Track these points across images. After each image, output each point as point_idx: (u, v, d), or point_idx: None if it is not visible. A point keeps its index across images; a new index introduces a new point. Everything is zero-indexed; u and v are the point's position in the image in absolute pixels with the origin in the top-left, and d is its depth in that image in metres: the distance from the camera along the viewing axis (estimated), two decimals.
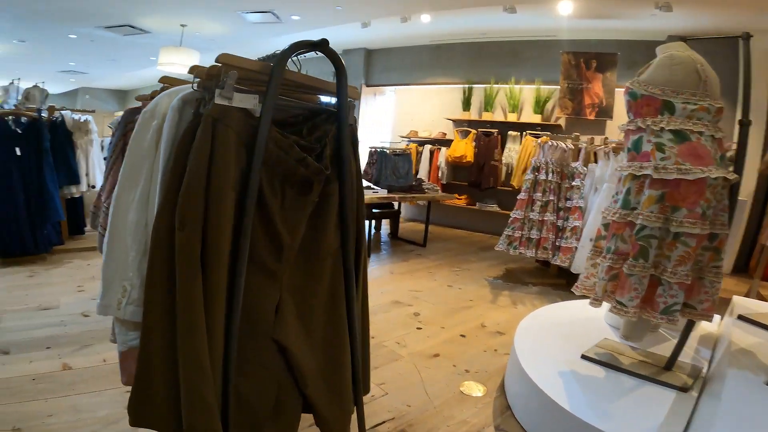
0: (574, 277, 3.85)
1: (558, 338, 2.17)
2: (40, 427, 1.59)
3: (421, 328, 2.79)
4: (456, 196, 5.98)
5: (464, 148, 5.91)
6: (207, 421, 0.90)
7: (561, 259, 3.63)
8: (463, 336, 2.70)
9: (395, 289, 3.54)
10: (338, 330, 1.17)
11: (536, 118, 5.66)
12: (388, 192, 4.68)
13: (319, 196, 1.10)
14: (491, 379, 2.19)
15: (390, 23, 5.50)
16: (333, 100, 1.16)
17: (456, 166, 6.21)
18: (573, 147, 3.83)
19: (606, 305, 1.71)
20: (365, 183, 5.34)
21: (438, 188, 5.42)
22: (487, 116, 5.99)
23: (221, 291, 0.92)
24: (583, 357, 1.92)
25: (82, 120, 4.08)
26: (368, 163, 5.20)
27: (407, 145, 6.38)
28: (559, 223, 3.73)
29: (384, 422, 1.79)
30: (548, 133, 5.33)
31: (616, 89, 5.16)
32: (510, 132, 5.77)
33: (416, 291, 3.53)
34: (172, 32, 5.99)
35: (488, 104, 5.97)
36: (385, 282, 3.74)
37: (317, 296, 1.14)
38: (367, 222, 4.53)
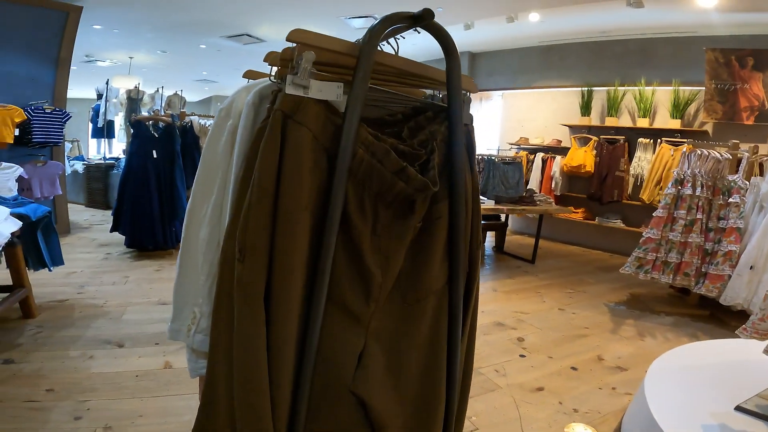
0: (721, 308, 3.26)
1: (704, 383, 1.78)
2: (129, 427, 1.65)
3: (524, 356, 2.49)
4: (572, 209, 5.40)
5: (583, 157, 5.32)
6: None
7: (707, 287, 3.02)
8: (574, 369, 2.38)
9: (498, 310, 3.23)
10: (434, 384, 0.92)
11: (674, 124, 4.89)
12: (496, 203, 4.36)
13: (423, 220, 0.84)
14: (605, 423, 1.87)
15: (495, 24, 5.16)
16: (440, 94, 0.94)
17: (573, 176, 5.62)
18: (730, 157, 3.15)
19: None
20: None
21: (551, 200, 4.93)
22: (611, 122, 5.34)
23: (289, 338, 0.73)
24: (739, 409, 1.55)
25: (207, 125, 4.44)
26: None
27: (517, 152, 5.93)
28: (708, 246, 3.11)
29: None
30: (690, 140, 4.55)
31: None
32: (640, 139, 5.07)
33: (522, 313, 3.19)
34: (284, 41, 6.33)
35: (612, 108, 5.33)
36: (487, 301, 3.45)
37: (412, 344, 0.89)
38: None
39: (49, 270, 2.62)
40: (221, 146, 0.83)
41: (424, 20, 0.74)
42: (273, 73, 0.77)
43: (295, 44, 0.69)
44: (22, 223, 2.31)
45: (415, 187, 0.77)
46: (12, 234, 2.19)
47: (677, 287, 3.62)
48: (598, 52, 5.57)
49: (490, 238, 5.55)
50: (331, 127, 0.73)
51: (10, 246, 2.30)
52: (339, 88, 0.72)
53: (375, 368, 0.82)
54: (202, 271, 0.87)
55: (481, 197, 4.53)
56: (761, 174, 3.20)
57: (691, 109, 4.87)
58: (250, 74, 1.18)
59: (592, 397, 2.07)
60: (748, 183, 3.05)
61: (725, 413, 1.53)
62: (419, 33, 0.84)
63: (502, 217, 5.13)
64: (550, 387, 2.15)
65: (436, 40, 0.80)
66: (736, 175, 3.10)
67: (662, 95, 5.03)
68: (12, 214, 2.30)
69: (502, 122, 6.70)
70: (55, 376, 1.94)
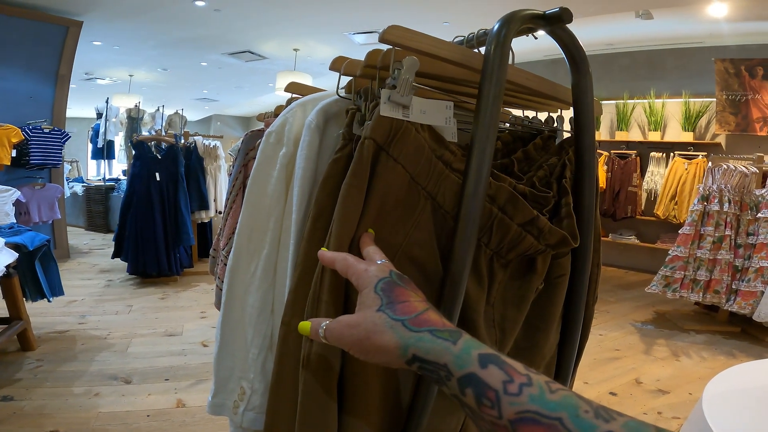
0: (752, 324, 3.11)
1: None
2: None
3: None
4: None
5: None
6: None
7: (739, 304, 2.91)
8: (613, 394, 2.26)
9: None
10: None
11: (686, 137, 4.80)
12: None
13: (545, 279, 0.63)
14: None
15: None
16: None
17: None
18: (757, 171, 3.05)
19: None
20: None
21: None
22: (621, 136, 5.26)
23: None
24: None
25: (211, 146, 4.31)
26: None
27: None
28: (738, 262, 3.00)
29: None
30: (703, 153, 4.47)
31: None
32: (653, 153, 4.98)
33: None
34: (286, 57, 6.27)
35: (622, 122, 5.25)
36: None
37: None
38: None
39: (49, 301, 2.48)
40: (272, 186, 0.63)
41: (562, 22, 0.56)
42: (339, 88, 0.59)
43: (388, 46, 0.49)
44: (17, 254, 2.17)
45: (548, 243, 0.58)
46: (7, 266, 2.05)
47: (703, 304, 3.49)
48: (606, 64, 5.51)
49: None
50: (437, 164, 0.53)
51: (6, 277, 2.16)
52: (449, 109, 0.54)
53: None
54: (253, 344, 0.68)
55: None
56: None
57: (703, 121, 4.80)
58: (294, 87, 0.93)
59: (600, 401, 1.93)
60: None
61: None
62: (536, 39, 0.68)
63: None
64: None
65: (563, 50, 0.64)
66: (764, 189, 3.00)
67: (673, 107, 4.96)
68: (7, 243, 2.17)
69: None
70: (60, 416, 1.82)
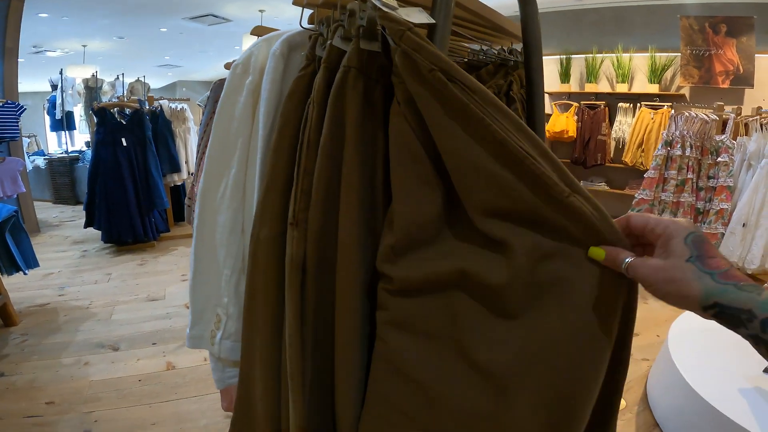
0: None
1: (729, 344, 1.75)
2: None
3: None
4: None
5: (565, 123, 5.34)
6: None
7: None
8: None
9: None
10: None
11: (652, 88, 4.96)
12: None
13: None
14: (630, 391, 1.86)
15: None
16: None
17: (556, 142, 5.65)
18: (717, 118, 3.16)
19: None
20: None
21: None
22: (591, 88, 5.37)
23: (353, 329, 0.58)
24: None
25: (178, 108, 4.19)
26: None
27: None
28: (700, 204, 3.15)
29: None
30: (668, 103, 4.65)
31: (757, 55, 4.41)
32: (620, 104, 5.14)
33: None
34: (252, 19, 5.99)
35: (591, 75, 5.36)
36: None
37: None
38: None
39: (24, 273, 2.43)
40: (239, 110, 0.67)
41: None
42: (303, 21, 0.64)
43: None
44: None
45: None
46: None
47: None
48: (575, 20, 5.54)
49: None
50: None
51: None
52: (422, 12, 0.56)
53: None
54: (225, 265, 0.71)
55: None
56: (746, 134, 3.24)
57: (668, 74, 4.95)
58: (259, 30, 1.00)
59: None
60: (735, 142, 3.08)
61: (756, 376, 1.53)
62: None
63: None
64: None
65: None
66: (723, 135, 3.13)
67: (639, 61, 5.08)
68: None
69: None
70: (52, 387, 1.83)
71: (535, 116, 0.73)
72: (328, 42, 0.56)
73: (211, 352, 0.77)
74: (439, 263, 0.51)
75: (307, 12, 0.63)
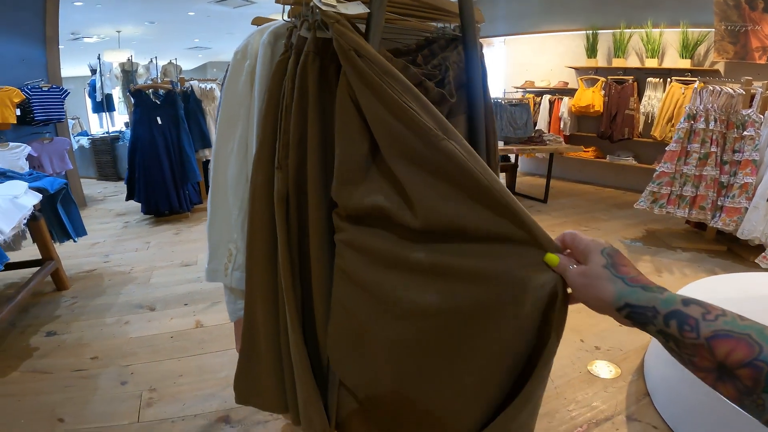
0: (738, 243, 3.26)
1: None
2: (171, 387, 1.73)
3: None
4: (582, 148, 5.37)
5: (591, 97, 5.25)
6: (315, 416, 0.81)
7: (724, 221, 3.01)
8: None
9: None
10: None
11: (684, 63, 4.80)
12: (505, 144, 4.33)
13: None
14: (627, 360, 1.89)
15: None
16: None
17: (582, 116, 5.57)
18: (743, 92, 3.06)
19: None
20: None
21: (561, 139, 4.88)
22: (618, 63, 5.25)
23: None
24: None
25: (208, 88, 4.37)
26: None
27: (523, 95, 5.83)
28: (724, 178, 3.08)
29: None
30: (702, 78, 4.47)
31: None
32: (650, 79, 4.99)
33: None
34: (275, 2, 6.09)
35: (619, 50, 5.23)
36: None
37: None
38: None
39: (74, 241, 2.68)
40: (241, 85, 0.86)
41: None
42: (285, 14, 0.81)
43: None
44: (41, 195, 2.35)
45: (432, 98, 0.79)
46: (34, 207, 2.23)
47: (693, 223, 3.62)
48: None
49: (500, 179, 5.52)
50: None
51: (33, 220, 2.34)
52: (360, 5, 0.71)
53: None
54: (234, 206, 0.90)
55: None
56: None
57: (701, 49, 4.78)
58: (259, 20, 1.18)
59: (613, 335, 2.08)
60: (762, 117, 2.98)
61: None
62: None
63: (512, 158, 5.13)
64: (571, 325, 2.15)
65: None
66: (750, 110, 3.03)
67: (670, 36, 4.92)
68: (30, 188, 2.34)
69: (506, 67, 6.55)
70: (96, 344, 2.02)
71: (472, 80, 0.87)
72: (296, 32, 0.72)
73: (225, 284, 0.94)
74: (364, 198, 0.65)
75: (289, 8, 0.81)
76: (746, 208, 2.91)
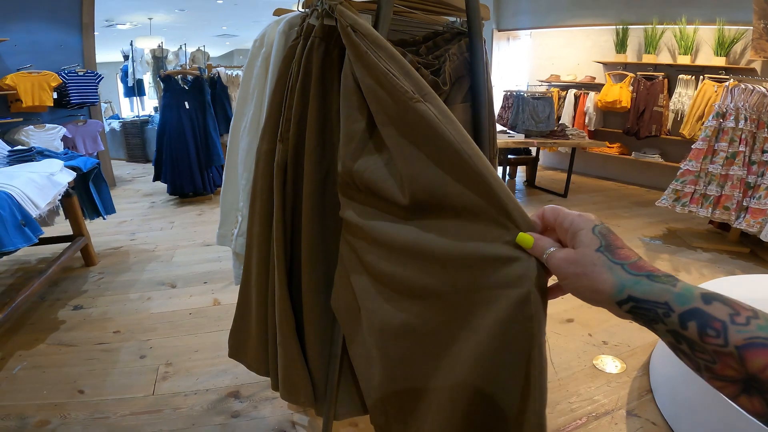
0: (762, 246, 3.18)
1: None
2: (186, 362, 1.81)
3: None
4: (607, 144, 5.27)
5: (619, 93, 5.14)
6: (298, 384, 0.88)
7: (748, 222, 2.93)
8: None
9: None
10: None
11: (718, 61, 4.65)
12: (526, 137, 4.29)
13: None
14: (634, 356, 1.89)
15: None
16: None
17: (608, 112, 5.46)
18: None
19: None
20: (499, 127, 4.97)
21: (585, 134, 4.80)
22: (648, 59, 5.11)
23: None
24: None
25: (234, 75, 4.48)
26: (503, 107, 4.82)
27: (548, 89, 5.75)
28: (750, 179, 3.00)
29: None
30: (737, 76, 4.33)
31: None
32: (681, 76, 4.85)
33: None
34: None
35: (650, 46, 5.09)
36: None
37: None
38: (501, 168, 4.27)
39: (104, 218, 2.81)
40: (257, 70, 0.93)
41: None
42: (300, 5, 0.87)
43: None
44: (75, 173, 2.47)
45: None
46: (68, 184, 2.36)
47: (717, 223, 3.54)
48: None
49: (520, 172, 5.52)
50: None
51: (67, 196, 2.46)
52: (368, 18, 0.79)
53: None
54: (242, 177, 0.97)
55: (510, 131, 4.45)
56: None
57: (737, 47, 4.61)
58: (279, 12, 1.26)
59: (621, 330, 2.08)
60: None
61: None
62: None
63: (533, 151, 5.08)
64: (580, 319, 2.18)
65: None
66: None
67: (705, 33, 4.77)
68: (65, 166, 2.46)
69: (531, 61, 6.47)
70: (119, 319, 2.11)
71: (476, 72, 0.91)
72: (307, 21, 0.78)
73: (232, 249, 1.02)
74: (362, 173, 0.68)
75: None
76: None
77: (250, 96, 0.95)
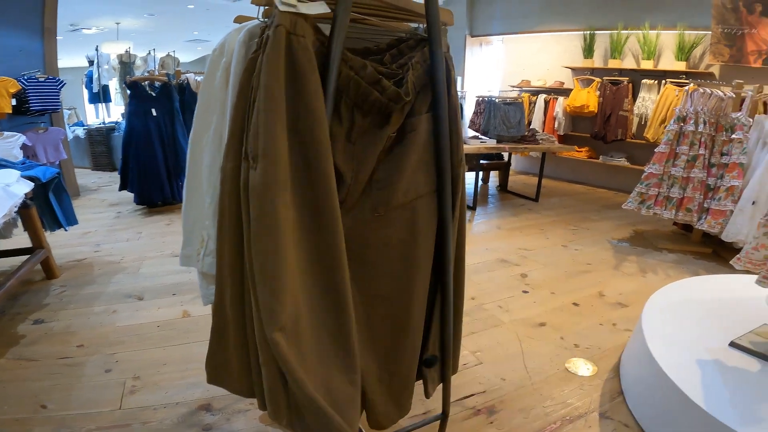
0: (724, 246, 3.30)
1: (700, 319, 1.78)
2: (155, 375, 1.75)
3: (527, 292, 2.56)
4: (576, 148, 5.42)
5: (586, 98, 5.29)
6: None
7: (709, 223, 3.04)
8: (576, 305, 2.42)
9: (502, 247, 3.31)
10: (408, 303, 0.95)
11: (679, 66, 4.85)
12: (498, 142, 4.36)
13: (397, 132, 0.89)
14: (604, 359, 1.92)
15: None
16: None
17: (576, 116, 5.62)
18: (734, 95, 3.10)
19: None
20: (472, 133, 5.03)
21: (554, 139, 4.92)
22: (614, 64, 5.31)
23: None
24: (733, 345, 1.56)
25: None
26: (475, 113, 4.89)
27: (519, 94, 5.87)
28: (711, 181, 3.12)
29: (473, 395, 1.66)
30: (697, 80, 4.55)
31: None
32: (644, 80, 5.05)
33: (525, 249, 3.26)
34: None
35: (616, 51, 5.28)
36: (491, 238, 3.52)
37: (382, 256, 0.92)
38: (473, 173, 4.32)
39: (65, 230, 2.70)
40: (217, 81, 0.90)
41: None
42: (260, 14, 0.85)
43: None
44: (33, 184, 2.37)
45: (389, 96, 0.84)
46: (25, 195, 2.25)
47: (681, 225, 3.66)
48: None
49: (493, 177, 5.61)
50: (317, 44, 0.80)
51: (24, 208, 2.36)
52: (322, 4, 0.75)
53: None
54: (207, 194, 0.94)
55: (482, 137, 4.51)
56: (765, 112, 3.16)
57: (697, 52, 4.82)
58: (240, 19, 1.24)
59: (592, 333, 2.11)
60: (751, 120, 3.01)
61: (720, 349, 1.54)
62: None
63: (505, 156, 5.17)
64: (552, 322, 2.21)
65: None
66: (740, 113, 3.06)
67: (667, 39, 4.97)
68: (22, 176, 2.36)
69: (504, 66, 6.61)
70: (83, 332, 2.03)
71: (436, 80, 0.90)
72: (266, 32, 0.77)
73: (198, 269, 0.98)
74: None
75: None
76: (732, 211, 2.95)
77: (212, 109, 0.91)
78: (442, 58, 0.88)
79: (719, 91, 3.12)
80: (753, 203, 2.85)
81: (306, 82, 0.74)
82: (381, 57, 0.88)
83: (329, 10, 0.73)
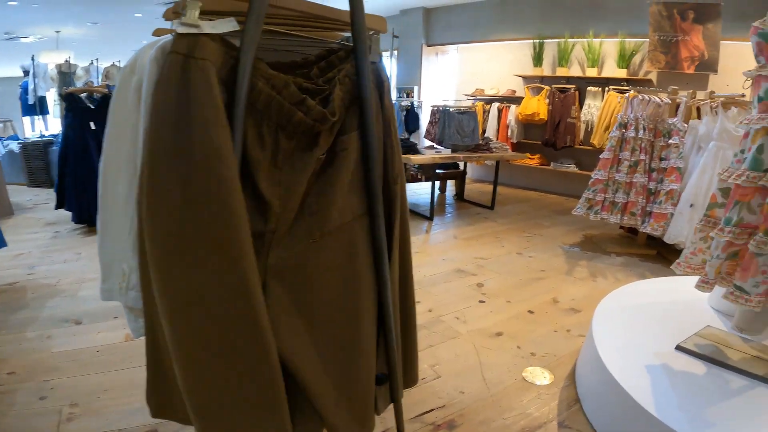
0: (667, 248, 3.47)
1: (647, 323, 1.83)
2: (95, 402, 1.63)
3: (484, 302, 2.57)
4: (528, 155, 5.58)
5: (536, 106, 5.46)
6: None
7: (652, 226, 3.19)
8: (531, 312, 2.45)
9: (459, 257, 3.33)
10: (356, 326, 0.90)
11: (621, 73, 5.12)
12: (453, 151, 4.43)
13: (327, 152, 0.83)
14: (560, 366, 1.93)
15: None
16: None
17: (528, 124, 5.80)
18: (670, 101, 3.28)
19: (718, 289, 1.39)
20: (427, 143, 5.07)
21: (507, 147, 5.05)
22: (562, 72, 5.52)
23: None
24: (679, 348, 1.60)
25: None
26: (430, 122, 4.95)
27: (473, 103, 6.00)
28: (651, 185, 3.27)
29: (432, 410, 1.63)
30: (636, 88, 4.78)
31: (722, 42, 4.55)
32: (590, 87, 5.28)
33: (481, 258, 3.29)
34: None
35: (563, 59, 5.50)
36: (448, 248, 3.53)
37: (323, 282, 0.86)
38: (430, 183, 4.35)
39: None
40: (129, 102, 0.83)
41: None
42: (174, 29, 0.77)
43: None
44: None
45: (314, 117, 0.78)
46: None
47: (627, 228, 3.82)
48: (550, 4, 5.64)
49: (450, 186, 5.67)
50: (230, 62, 0.72)
51: None
52: (231, 21, 0.69)
53: (278, 310, 0.81)
54: (124, 227, 0.86)
55: (437, 146, 4.54)
56: (699, 117, 3.36)
57: (637, 59, 5.09)
58: (159, 32, 1.13)
59: (548, 340, 2.13)
60: (686, 125, 3.19)
61: (667, 353, 1.58)
62: None
63: (461, 165, 5.24)
64: (509, 331, 2.21)
65: None
66: (675, 118, 3.24)
67: (609, 46, 5.22)
68: None
69: (459, 75, 6.74)
70: (14, 360, 1.89)
71: (363, 96, 0.85)
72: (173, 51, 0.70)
73: (122, 303, 0.90)
74: None
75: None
76: (672, 214, 3.09)
77: (122, 133, 0.84)
78: (368, 71, 0.83)
79: (657, 98, 3.29)
80: (691, 206, 3.01)
81: (200, 110, 0.67)
82: (308, 71, 0.83)
83: (238, 28, 0.67)
